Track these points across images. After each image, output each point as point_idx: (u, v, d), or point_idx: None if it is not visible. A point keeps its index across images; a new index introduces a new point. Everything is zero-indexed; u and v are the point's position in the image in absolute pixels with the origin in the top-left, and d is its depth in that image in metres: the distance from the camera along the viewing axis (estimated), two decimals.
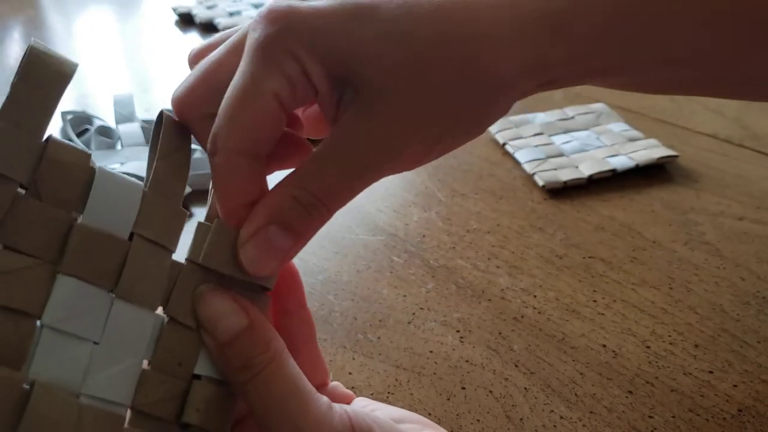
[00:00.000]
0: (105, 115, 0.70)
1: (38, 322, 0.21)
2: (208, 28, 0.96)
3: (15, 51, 0.92)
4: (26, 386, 0.21)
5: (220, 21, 0.95)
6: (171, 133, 0.25)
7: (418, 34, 0.23)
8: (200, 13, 0.97)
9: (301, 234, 0.24)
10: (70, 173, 0.22)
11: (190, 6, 1.01)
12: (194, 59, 0.28)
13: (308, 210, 0.24)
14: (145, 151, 0.60)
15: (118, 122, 0.66)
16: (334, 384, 0.30)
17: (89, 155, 0.23)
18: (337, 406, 0.24)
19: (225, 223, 0.24)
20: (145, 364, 0.23)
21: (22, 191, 0.22)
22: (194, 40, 0.94)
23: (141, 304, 0.23)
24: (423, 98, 0.23)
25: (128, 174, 0.55)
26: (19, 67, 0.22)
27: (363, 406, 0.29)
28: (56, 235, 0.22)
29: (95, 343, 0.22)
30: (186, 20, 1.00)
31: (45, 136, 0.22)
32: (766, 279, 0.46)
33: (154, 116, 0.69)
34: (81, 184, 0.22)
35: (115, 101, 0.68)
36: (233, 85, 0.23)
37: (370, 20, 0.23)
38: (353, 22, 0.23)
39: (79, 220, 0.22)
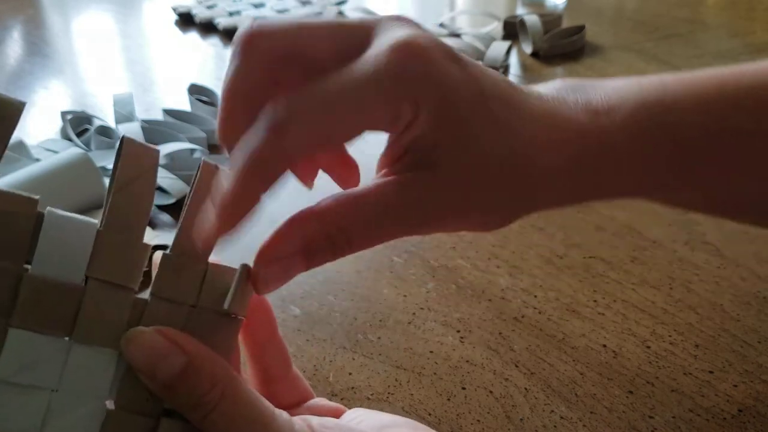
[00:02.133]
0: (105, 115, 0.70)
1: None
2: (208, 27, 0.96)
3: (15, 51, 0.92)
4: None
5: (220, 21, 0.95)
6: (130, 160, 0.23)
7: (513, 141, 0.25)
8: (200, 13, 0.97)
9: (317, 264, 0.24)
10: (13, 223, 0.21)
11: (190, 6, 1.01)
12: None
13: (335, 249, 0.24)
14: None
15: (118, 122, 0.66)
16: (316, 400, 0.30)
17: (36, 201, 0.22)
18: (300, 421, 0.24)
19: (192, 258, 0.24)
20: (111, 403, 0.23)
21: None
22: (194, 40, 0.94)
23: (101, 345, 0.22)
24: (485, 184, 0.25)
25: None
26: None
27: (352, 418, 0.29)
28: (6, 289, 0.21)
29: (54, 390, 0.22)
30: (186, 20, 1.00)
31: None
32: (766, 279, 0.45)
33: (153, 116, 0.69)
34: (28, 234, 0.22)
35: (115, 101, 0.68)
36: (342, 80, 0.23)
37: (482, 107, 0.24)
38: (474, 100, 0.24)
39: (30, 269, 0.22)
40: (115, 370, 0.23)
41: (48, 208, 0.22)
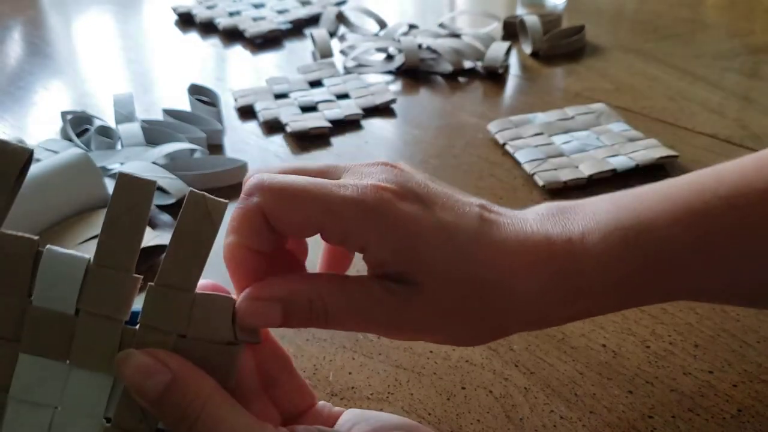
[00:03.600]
0: (105, 115, 0.70)
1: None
2: (208, 28, 0.96)
3: (15, 51, 0.92)
4: None
5: (220, 21, 0.95)
6: (122, 194, 0.25)
7: (478, 269, 0.27)
8: (200, 13, 0.97)
9: (291, 324, 0.26)
10: (15, 263, 0.24)
11: (190, 6, 1.01)
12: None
13: (311, 316, 0.26)
14: (144, 151, 0.60)
15: (118, 122, 0.66)
16: (322, 404, 0.30)
17: (36, 242, 0.24)
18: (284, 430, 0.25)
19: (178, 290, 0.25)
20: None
21: None
22: (194, 40, 0.94)
23: (95, 369, 0.25)
24: (463, 303, 0.27)
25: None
26: None
27: (346, 420, 0.29)
28: (13, 318, 0.24)
29: (56, 408, 0.25)
30: (186, 20, 1.00)
31: None
32: None
33: (154, 116, 0.69)
34: (29, 271, 0.24)
35: (115, 101, 0.68)
36: (329, 184, 0.26)
37: (444, 242, 0.27)
38: (439, 241, 0.27)
39: (32, 301, 0.25)
40: (111, 392, 0.25)
41: (47, 246, 0.25)
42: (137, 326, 0.25)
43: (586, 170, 0.57)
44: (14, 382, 0.25)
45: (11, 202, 0.24)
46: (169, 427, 0.25)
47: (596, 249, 0.28)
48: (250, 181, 0.27)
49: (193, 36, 0.96)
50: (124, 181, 0.25)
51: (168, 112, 0.67)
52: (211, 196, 0.25)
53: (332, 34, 0.92)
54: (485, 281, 0.27)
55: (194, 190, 0.25)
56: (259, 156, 0.64)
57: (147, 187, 0.25)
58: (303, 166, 0.29)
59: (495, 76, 0.79)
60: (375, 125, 0.70)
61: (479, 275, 0.27)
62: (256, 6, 1.01)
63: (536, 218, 0.29)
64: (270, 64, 0.86)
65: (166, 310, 0.25)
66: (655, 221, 0.29)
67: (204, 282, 0.27)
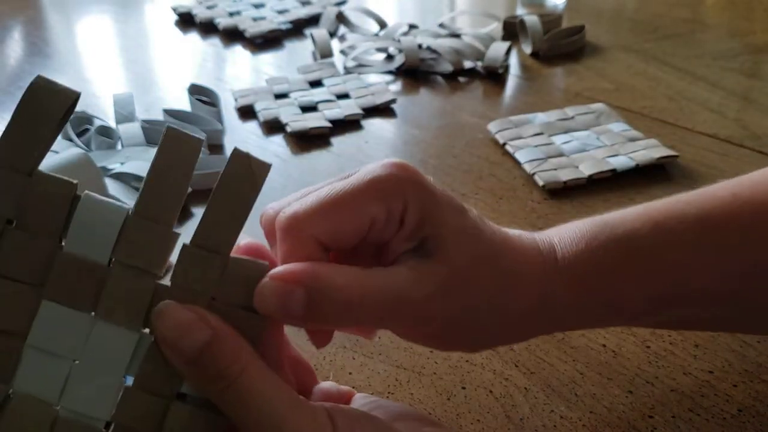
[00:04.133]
0: (105, 115, 0.70)
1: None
2: (208, 28, 0.96)
3: (15, 51, 0.92)
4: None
5: (220, 21, 0.95)
6: (168, 148, 0.24)
7: (489, 247, 0.28)
8: (200, 13, 0.97)
9: (309, 317, 0.24)
10: (54, 204, 0.24)
11: (190, 6, 1.01)
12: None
13: (340, 308, 0.24)
14: (145, 151, 0.60)
15: (118, 122, 0.66)
16: (329, 384, 0.30)
17: (75, 185, 0.24)
18: (322, 410, 0.24)
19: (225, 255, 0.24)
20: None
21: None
22: (194, 40, 0.94)
23: (122, 324, 0.24)
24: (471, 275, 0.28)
25: (128, 174, 0.56)
26: (18, 104, 0.23)
27: (363, 404, 0.29)
28: (41, 263, 0.24)
29: (75, 361, 0.24)
30: (186, 20, 1.00)
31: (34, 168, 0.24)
32: None
33: (154, 116, 0.69)
34: (64, 213, 0.24)
35: (115, 101, 0.68)
36: (337, 189, 0.25)
37: (467, 218, 0.28)
38: (456, 211, 0.27)
39: (63, 246, 0.24)
40: (135, 350, 0.24)
41: (86, 192, 0.24)
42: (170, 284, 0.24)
43: (586, 170, 0.57)
44: (34, 330, 0.23)
45: (52, 143, 0.24)
46: (197, 390, 0.24)
47: (562, 265, 0.30)
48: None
49: (193, 36, 0.96)
50: (173, 135, 0.24)
51: (168, 112, 0.67)
52: (255, 156, 0.24)
53: (332, 34, 0.92)
54: (495, 246, 0.28)
55: (239, 147, 0.24)
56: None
57: (195, 143, 0.24)
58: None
59: (495, 76, 0.79)
60: (375, 125, 0.70)
61: (490, 239, 0.28)
62: (256, 6, 1.01)
63: (516, 234, 0.31)
64: (270, 64, 0.86)
65: (199, 270, 0.24)
66: (621, 221, 0.31)
67: (246, 242, 0.26)
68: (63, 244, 0.24)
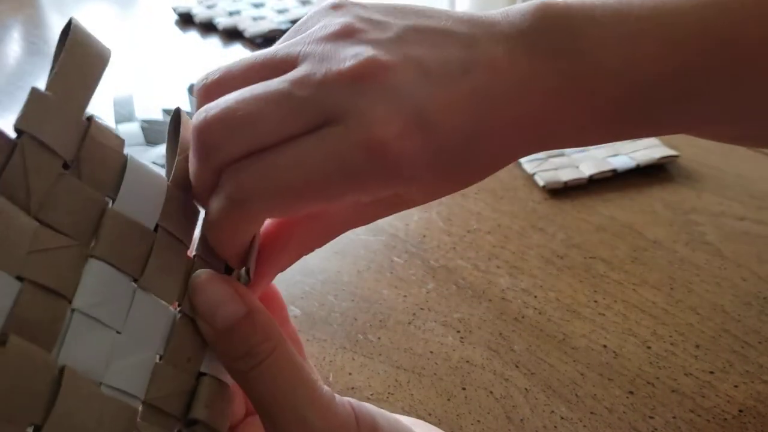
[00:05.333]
0: (105, 115, 0.70)
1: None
2: (208, 27, 0.96)
3: (15, 51, 0.92)
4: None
5: (220, 21, 0.95)
6: (188, 128, 0.25)
7: None
8: (200, 13, 0.97)
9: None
10: (108, 156, 0.22)
11: (190, 6, 1.01)
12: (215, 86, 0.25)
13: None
14: (144, 151, 0.60)
15: (118, 122, 0.66)
16: (325, 389, 0.30)
17: (123, 141, 0.23)
18: (346, 401, 0.24)
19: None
20: (156, 357, 0.23)
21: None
22: (194, 39, 0.94)
23: (161, 296, 0.23)
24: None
25: None
26: (62, 42, 0.21)
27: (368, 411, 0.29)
28: (91, 218, 0.21)
29: (118, 332, 0.22)
30: (186, 20, 1.00)
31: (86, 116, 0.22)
32: (767, 279, 0.45)
33: (154, 116, 0.69)
34: (116, 169, 0.22)
35: (115, 101, 0.68)
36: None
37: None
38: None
39: (110, 205, 0.22)
40: (166, 325, 0.23)
41: (128, 154, 0.23)
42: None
43: (586, 170, 0.57)
44: (80, 292, 0.21)
45: (91, 96, 0.23)
46: (226, 363, 0.23)
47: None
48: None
49: (193, 36, 0.96)
50: (188, 119, 0.25)
51: (168, 112, 0.67)
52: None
53: None
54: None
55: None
56: None
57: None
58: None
59: None
60: None
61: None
62: (256, 6, 1.01)
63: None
64: None
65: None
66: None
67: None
68: (109, 201, 0.22)
